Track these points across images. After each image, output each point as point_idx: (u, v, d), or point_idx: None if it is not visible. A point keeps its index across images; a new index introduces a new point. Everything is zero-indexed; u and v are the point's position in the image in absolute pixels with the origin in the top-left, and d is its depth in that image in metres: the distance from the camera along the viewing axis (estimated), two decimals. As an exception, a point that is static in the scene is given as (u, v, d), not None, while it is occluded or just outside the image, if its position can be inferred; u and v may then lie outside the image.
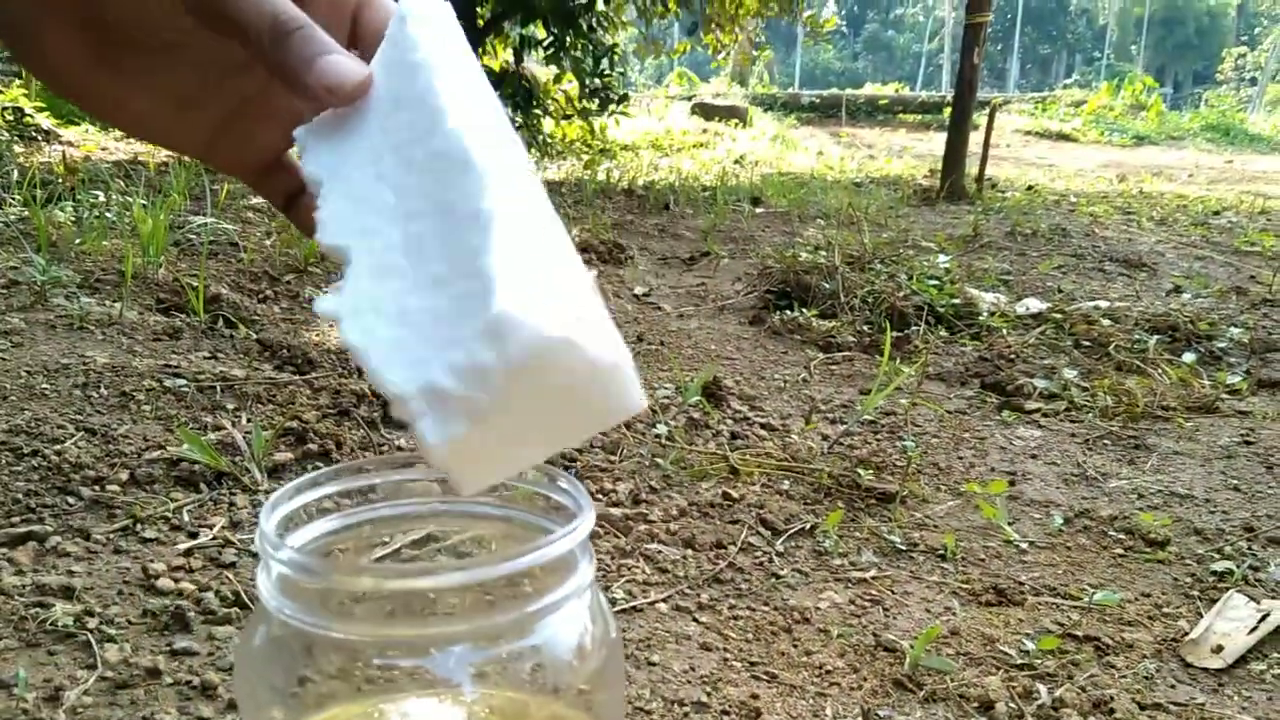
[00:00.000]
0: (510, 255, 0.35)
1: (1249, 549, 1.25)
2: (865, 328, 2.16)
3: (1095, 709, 0.90)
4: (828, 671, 0.93)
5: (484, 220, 0.37)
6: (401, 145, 0.43)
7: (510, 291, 0.34)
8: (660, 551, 1.13)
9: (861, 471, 1.35)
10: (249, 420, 1.30)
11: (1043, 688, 0.93)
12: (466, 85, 0.45)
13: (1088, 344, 2.15)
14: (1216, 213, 4.23)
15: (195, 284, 1.76)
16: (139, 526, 1.05)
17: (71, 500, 1.08)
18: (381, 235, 0.42)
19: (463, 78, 0.45)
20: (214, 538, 1.05)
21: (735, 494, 1.27)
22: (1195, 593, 1.15)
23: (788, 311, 2.20)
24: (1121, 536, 1.28)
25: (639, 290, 2.43)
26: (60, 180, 2.65)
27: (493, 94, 0.47)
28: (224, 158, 0.46)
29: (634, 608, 1.01)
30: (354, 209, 0.44)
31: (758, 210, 3.44)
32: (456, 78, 0.44)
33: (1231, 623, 1.09)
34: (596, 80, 4.26)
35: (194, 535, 1.05)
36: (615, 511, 1.20)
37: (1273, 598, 1.15)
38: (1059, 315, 2.29)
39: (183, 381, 1.39)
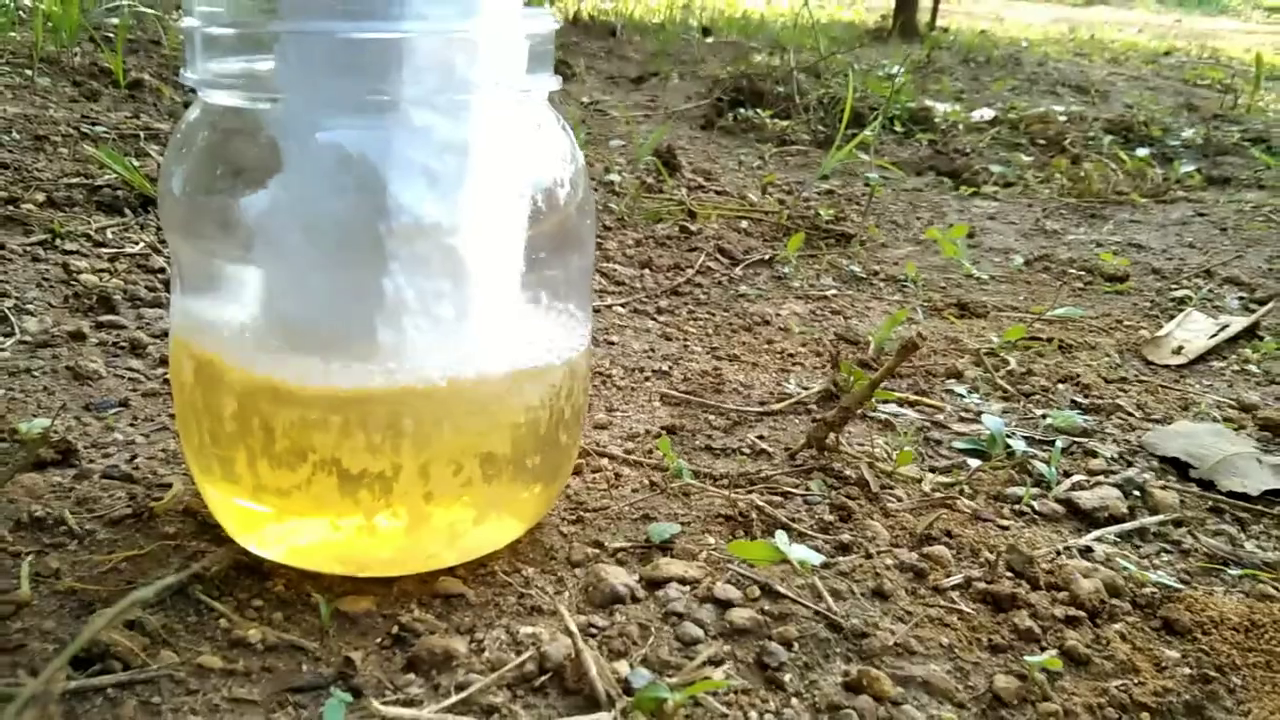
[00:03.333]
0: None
1: (1206, 285, 1.25)
2: (820, 127, 2.10)
3: (1063, 380, 0.88)
4: (790, 355, 0.90)
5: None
6: None
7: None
8: (616, 270, 1.08)
9: (821, 213, 1.31)
10: (176, 163, 1.22)
11: (1012, 359, 0.91)
12: None
13: (1043, 142, 2.12)
14: (1167, 53, 4.20)
15: (113, 66, 1.65)
16: (58, 241, 0.98)
17: (-18, 218, 1.00)
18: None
19: None
20: (142, 250, 0.99)
21: (693, 228, 1.23)
22: (1155, 313, 1.13)
23: (741, 110, 2.14)
24: (1081, 274, 1.26)
25: (585, 100, 2.35)
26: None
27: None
28: None
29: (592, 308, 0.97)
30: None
31: (708, 40, 3.34)
32: None
33: (1192, 332, 1.08)
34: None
35: (119, 249, 0.99)
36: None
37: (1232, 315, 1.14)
38: (1013, 117, 2.25)
39: (102, 129, 1.30)
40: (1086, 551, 0.58)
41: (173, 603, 0.47)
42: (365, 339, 0.44)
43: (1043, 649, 0.48)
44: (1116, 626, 0.50)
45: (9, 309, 0.81)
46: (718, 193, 1.50)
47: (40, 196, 1.06)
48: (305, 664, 0.44)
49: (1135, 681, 0.47)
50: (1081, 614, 0.50)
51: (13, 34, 1.89)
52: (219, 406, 0.47)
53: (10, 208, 1.03)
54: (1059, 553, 0.57)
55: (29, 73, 1.56)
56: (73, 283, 0.88)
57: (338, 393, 0.45)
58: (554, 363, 0.49)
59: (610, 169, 1.43)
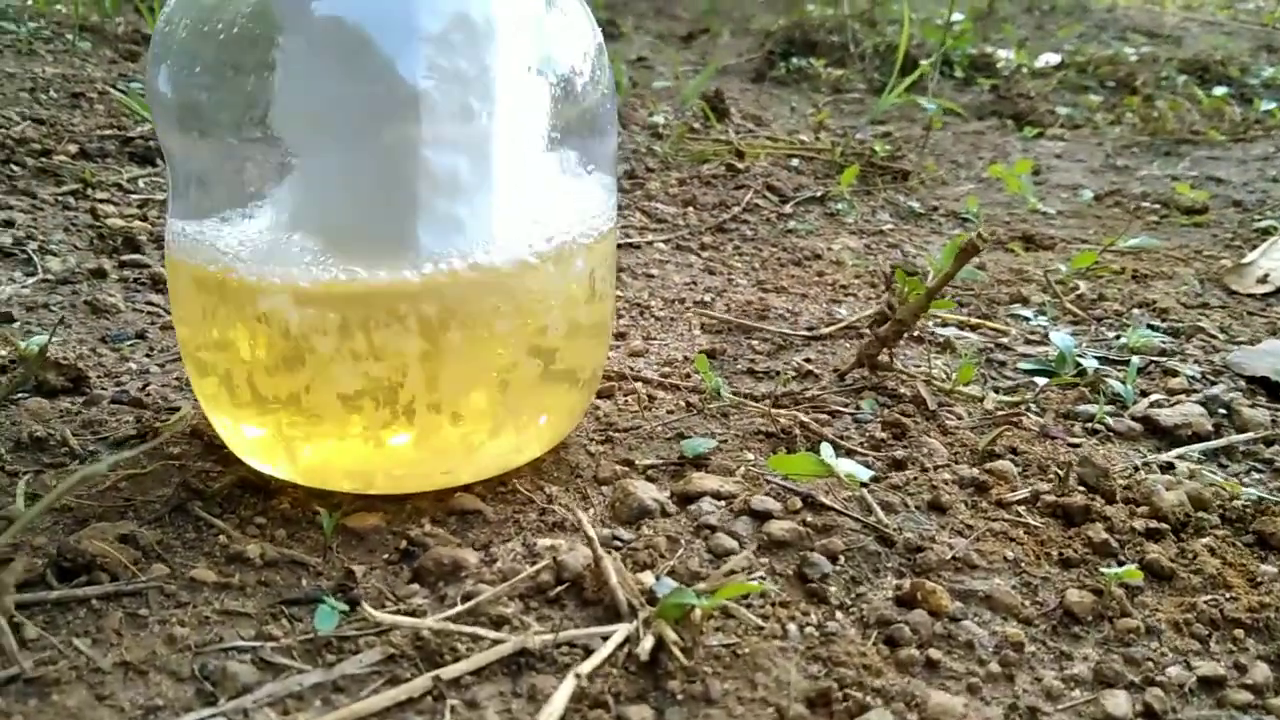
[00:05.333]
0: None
1: (1293, 217, 1.16)
2: (876, 75, 2.03)
3: (1139, 306, 0.82)
4: (842, 287, 0.85)
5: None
6: None
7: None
8: (658, 208, 1.04)
9: (877, 149, 1.25)
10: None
11: (1084, 284, 0.85)
12: None
13: (1113, 84, 2.02)
14: (1243, -1, 4.02)
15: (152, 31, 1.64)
16: (90, 190, 0.96)
17: (15, 169, 0.99)
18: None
19: None
20: (172, 196, 0.96)
21: (740, 167, 1.18)
22: (1238, 244, 1.06)
23: (793, 60, 2.07)
24: (1156, 207, 1.19)
25: (632, 57, 2.30)
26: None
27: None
28: None
29: (631, 244, 0.93)
30: None
31: (759, -2, 3.26)
32: None
33: (1278, 261, 1.00)
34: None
35: (149, 196, 0.97)
36: (610, 184, 1.11)
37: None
38: (1081, 60, 2.15)
39: (138, 85, 1.29)
40: (1168, 468, 0.53)
41: (171, 519, 0.44)
42: (368, 232, 0.41)
43: (1120, 563, 0.43)
44: (1204, 540, 0.45)
45: (33, 250, 0.79)
46: (768, 137, 1.44)
47: (73, 148, 1.05)
48: (305, 578, 0.40)
49: (1227, 596, 0.41)
50: (1164, 527, 0.45)
51: (58, 6, 1.89)
52: (214, 314, 0.44)
53: (43, 159, 1.02)
54: (1137, 468, 0.52)
55: (70, 38, 1.55)
56: (99, 226, 0.86)
57: (333, 289, 0.41)
58: (570, 251, 0.45)
59: (654, 112, 1.38)
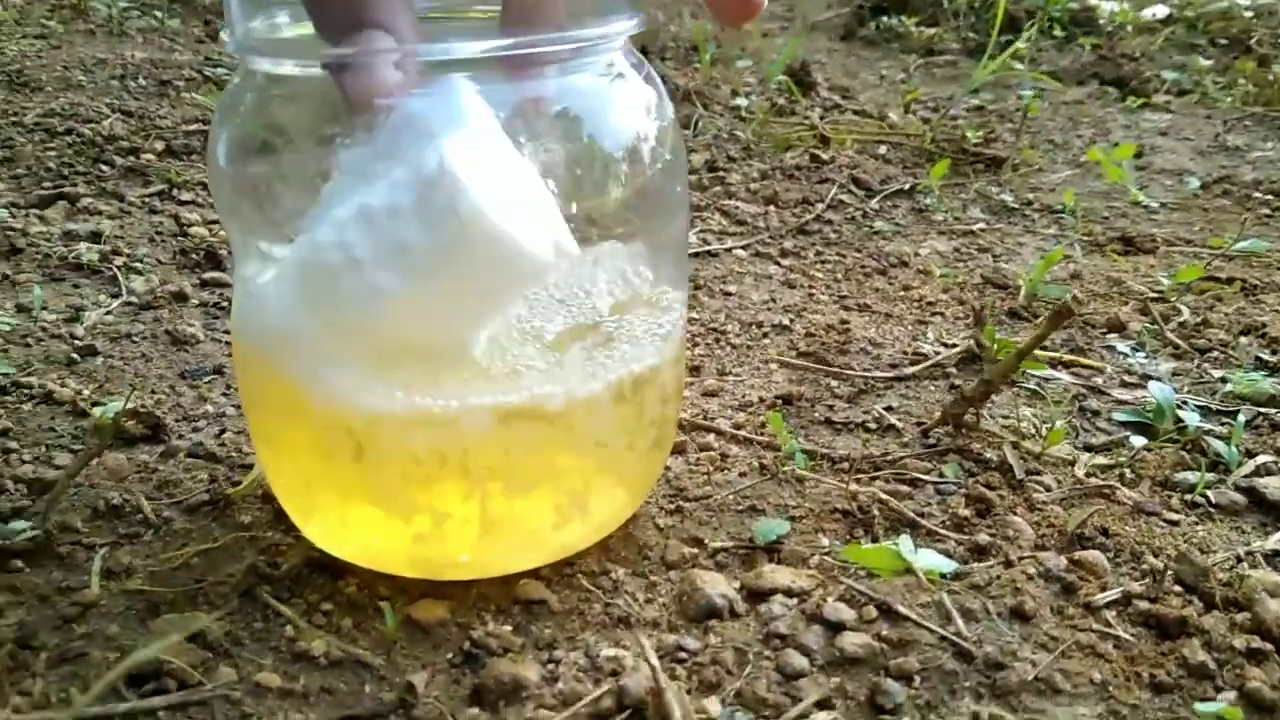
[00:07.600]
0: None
1: None
2: (971, 34, 1.94)
3: (1246, 332, 0.77)
4: (929, 304, 0.82)
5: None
6: None
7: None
8: (738, 207, 1.01)
9: (969, 135, 1.20)
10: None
11: (1184, 308, 0.80)
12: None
13: (1224, 41, 1.90)
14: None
15: None
16: (175, 191, 0.97)
17: (105, 168, 1.00)
18: None
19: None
20: (252, 198, 0.97)
21: (825, 156, 1.14)
22: (1361, 245, 0.99)
23: (884, 19, 1.99)
24: (1269, 198, 1.11)
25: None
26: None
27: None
28: None
29: (708, 252, 0.91)
30: None
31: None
32: None
33: (1406, 268, 0.93)
34: None
35: (232, 197, 0.97)
36: (689, 177, 1.08)
37: None
38: (1190, 15, 2.03)
39: (224, 70, 1.30)
40: (1273, 556, 0.50)
41: (240, 605, 0.45)
42: (442, 359, 0.40)
43: (1218, 690, 0.41)
44: (1312, 662, 0.42)
45: (119, 267, 0.80)
46: (855, 112, 1.39)
47: (160, 145, 1.06)
48: (368, 683, 0.40)
49: (1335, 736, 0.39)
50: (1267, 647, 0.42)
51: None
52: (275, 411, 0.44)
53: (132, 158, 1.03)
54: (1239, 559, 0.49)
55: (159, 15, 1.57)
56: (184, 236, 0.87)
57: (409, 416, 0.40)
58: (636, 366, 0.43)
59: (737, 92, 1.34)
